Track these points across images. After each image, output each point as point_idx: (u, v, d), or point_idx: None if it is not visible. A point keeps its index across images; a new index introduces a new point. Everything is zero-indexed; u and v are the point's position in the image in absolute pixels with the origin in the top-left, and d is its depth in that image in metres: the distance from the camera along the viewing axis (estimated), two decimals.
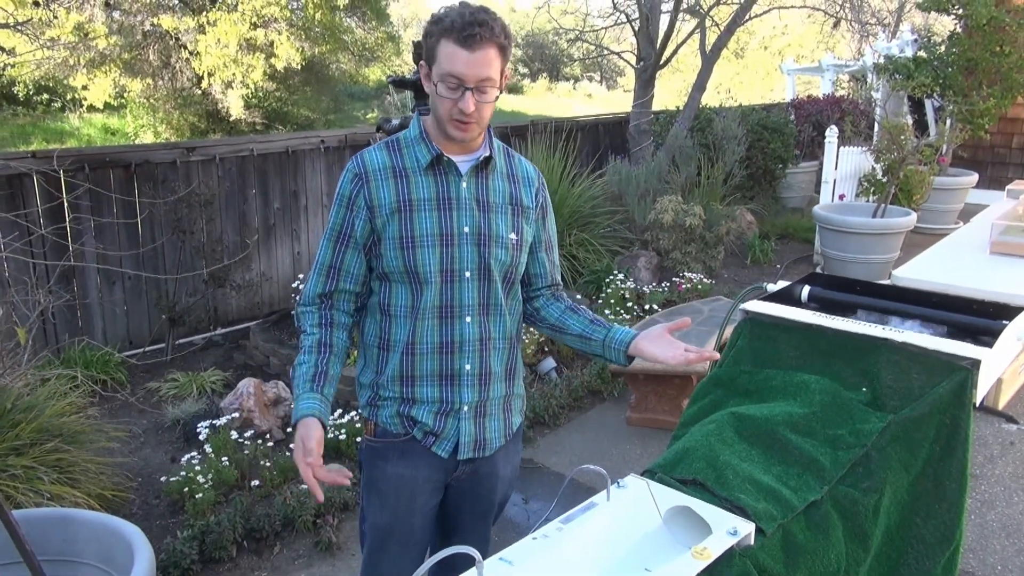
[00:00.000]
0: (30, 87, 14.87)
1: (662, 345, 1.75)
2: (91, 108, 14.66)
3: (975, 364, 1.88)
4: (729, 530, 1.40)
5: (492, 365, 1.78)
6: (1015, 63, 7.42)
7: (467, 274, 1.72)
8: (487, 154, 1.74)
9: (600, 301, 5.45)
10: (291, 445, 3.24)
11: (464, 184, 1.72)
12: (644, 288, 5.78)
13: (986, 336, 2.16)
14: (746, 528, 1.42)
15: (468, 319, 1.73)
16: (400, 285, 1.72)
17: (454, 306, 1.72)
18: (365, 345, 1.83)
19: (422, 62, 1.68)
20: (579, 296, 5.55)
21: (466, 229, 1.71)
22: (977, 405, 1.91)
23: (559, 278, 1.98)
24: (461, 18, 1.58)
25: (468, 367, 1.75)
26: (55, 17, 11.01)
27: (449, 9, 1.62)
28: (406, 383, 1.75)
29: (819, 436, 1.82)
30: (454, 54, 1.58)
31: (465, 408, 1.77)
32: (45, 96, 16.00)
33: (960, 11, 7.59)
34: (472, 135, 1.69)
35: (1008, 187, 5.95)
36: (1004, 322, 2.21)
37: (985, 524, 3.22)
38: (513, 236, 1.76)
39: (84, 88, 13.07)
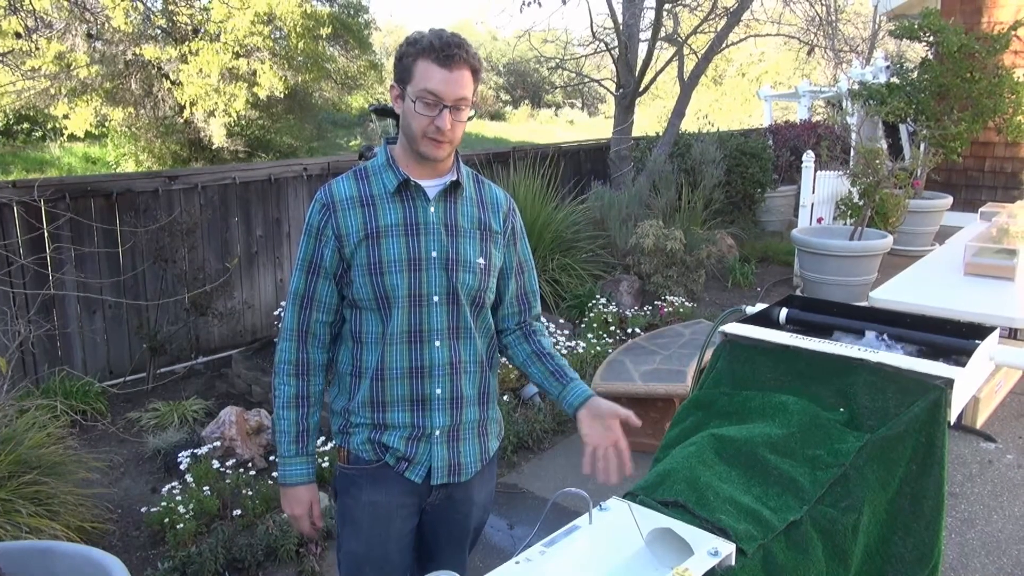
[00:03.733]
0: (10, 116, 14.82)
1: (596, 428, 1.79)
2: (72, 137, 14.62)
3: (948, 383, 1.92)
4: (710, 551, 1.42)
5: (463, 389, 1.78)
6: (985, 89, 7.60)
7: (435, 298, 1.72)
8: (455, 178, 1.76)
9: (583, 325, 5.47)
10: (274, 473, 3.23)
11: (432, 209, 1.73)
12: (626, 312, 5.82)
13: (960, 356, 2.19)
14: (727, 549, 1.44)
15: (437, 343, 1.74)
16: (369, 312, 1.73)
17: (423, 330, 1.72)
18: (339, 373, 1.83)
19: (393, 83, 1.70)
20: (561, 320, 5.57)
21: (434, 254, 1.72)
22: (952, 423, 1.95)
23: (534, 303, 1.95)
24: (439, 39, 1.63)
25: (439, 391, 1.75)
26: (37, 47, 11.00)
27: (424, 32, 1.66)
28: (377, 409, 1.76)
29: (798, 456, 1.84)
30: (433, 72, 1.62)
31: (437, 432, 1.77)
32: (26, 125, 15.95)
33: (931, 39, 7.78)
34: (444, 154, 1.71)
35: (981, 209, 6.09)
36: (977, 342, 2.25)
37: (965, 543, 3.25)
38: (481, 261, 1.77)
39: (65, 117, 13.03)
